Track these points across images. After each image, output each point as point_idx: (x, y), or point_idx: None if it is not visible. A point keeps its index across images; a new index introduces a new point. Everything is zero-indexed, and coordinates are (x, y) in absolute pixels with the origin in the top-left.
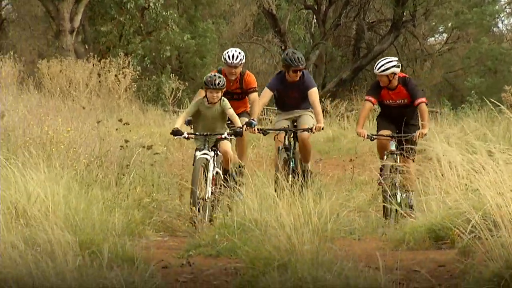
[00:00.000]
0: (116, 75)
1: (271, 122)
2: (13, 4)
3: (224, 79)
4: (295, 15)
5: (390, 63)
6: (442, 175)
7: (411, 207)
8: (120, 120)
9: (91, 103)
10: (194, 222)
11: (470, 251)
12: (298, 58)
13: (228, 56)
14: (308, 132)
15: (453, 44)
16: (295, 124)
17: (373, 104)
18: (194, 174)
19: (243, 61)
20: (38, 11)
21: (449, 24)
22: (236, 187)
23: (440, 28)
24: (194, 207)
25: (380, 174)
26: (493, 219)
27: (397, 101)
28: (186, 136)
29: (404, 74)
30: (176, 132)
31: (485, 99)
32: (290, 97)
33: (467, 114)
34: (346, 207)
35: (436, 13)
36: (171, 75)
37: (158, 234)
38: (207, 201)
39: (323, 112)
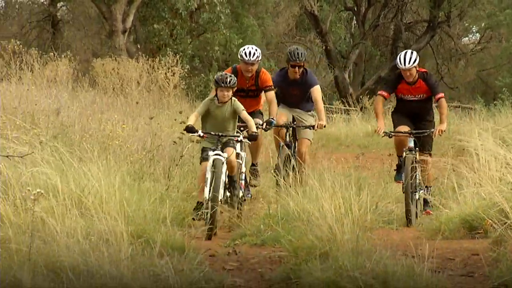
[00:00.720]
0: (165, 73)
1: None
2: (68, 5)
3: (235, 78)
4: (336, 16)
5: (414, 54)
6: (477, 168)
7: (426, 202)
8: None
9: (142, 99)
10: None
11: (502, 241)
12: (298, 53)
13: (245, 53)
14: (310, 129)
15: (485, 44)
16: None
17: (385, 99)
18: (204, 174)
19: (260, 58)
20: (92, 12)
21: (482, 25)
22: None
23: (473, 28)
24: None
25: (398, 172)
26: None
27: (416, 96)
28: (201, 134)
29: (424, 69)
30: (190, 129)
31: None
32: (291, 94)
33: (499, 110)
34: (385, 199)
35: (470, 14)
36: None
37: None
38: (219, 203)
39: (361, 109)
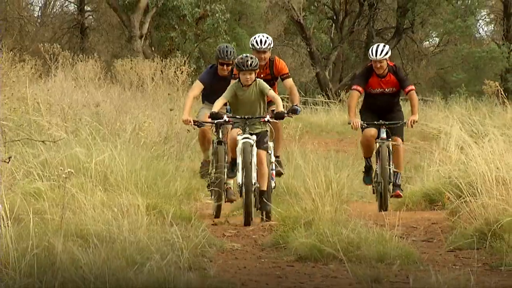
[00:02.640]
0: (175, 71)
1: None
2: (94, 14)
3: (257, 59)
4: (318, 24)
5: (386, 47)
6: (444, 149)
7: (399, 186)
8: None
9: (155, 94)
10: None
11: (457, 212)
12: (227, 51)
13: (256, 41)
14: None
15: (443, 47)
16: None
17: (360, 93)
18: (241, 158)
19: (272, 45)
20: (114, 21)
21: (441, 30)
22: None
23: (433, 33)
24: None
25: (367, 174)
26: (476, 186)
27: (386, 89)
28: (227, 119)
29: (392, 63)
30: (215, 116)
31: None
32: (218, 91)
33: (455, 102)
34: (359, 177)
35: (430, 22)
36: None
37: (209, 198)
38: (253, 187)
39: (339, 101)
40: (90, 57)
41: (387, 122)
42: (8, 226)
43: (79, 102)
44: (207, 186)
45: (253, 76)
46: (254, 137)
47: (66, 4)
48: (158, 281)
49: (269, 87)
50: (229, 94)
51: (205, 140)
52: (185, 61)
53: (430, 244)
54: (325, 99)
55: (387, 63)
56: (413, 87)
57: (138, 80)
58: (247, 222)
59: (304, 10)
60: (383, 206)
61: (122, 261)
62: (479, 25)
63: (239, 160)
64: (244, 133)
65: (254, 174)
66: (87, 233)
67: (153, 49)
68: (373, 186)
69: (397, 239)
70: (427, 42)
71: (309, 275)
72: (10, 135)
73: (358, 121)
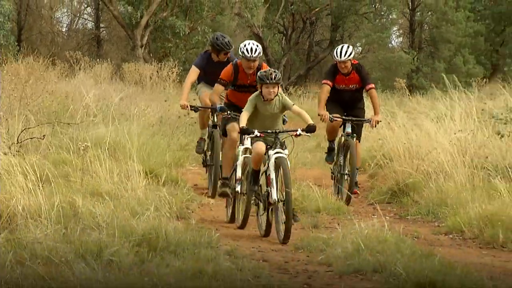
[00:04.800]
0: (167, 72)
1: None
2: (106, 29)
3: (279, 73)
4: (273, 36)
5: (349, 48)
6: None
7: (356, 183)
8: (166, 100)
9: (153, 88)
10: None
11: (375, 175)
12: (228, 42)
13: (247, 50)
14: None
15: (365, 53)
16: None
17: (330, 87)
18: (275, 173)
19: (261, 53)
20: (121, 34)
21: (363, 41)
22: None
23: (358, 44)
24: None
25: (329, 154)
26: (389, 156)
27: (350, 86)
28: (258, 134)
29: (356, 61)
30: (245, 131)
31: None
32: (215, 74)
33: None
34: (303, 151)
35: (355, 35)
36: None
37: (192, 165)
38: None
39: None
40: (104, 61)
41: (354, 119)
42: (41, 186)
43: (96, 95)
44: (202, 163)
45: (276, 89)
46: (287, 151)
47: (86, 22)
48: (153, 227)
49: (293, 103)
50: (251, 107)
51: (205, 117)
52: (175, 64)
53: (355, 200)
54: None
55: (351, 62)
56: (373, 85)
57: (140, 79)
58: (287, 241)
59: (262, 26)
60: (342, 195)
61: (127, 212)
62: (392, 38)
63: (273, 175)
64: (275, 148)
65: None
66: (100, 191)
67: (150, 55)
68: (333, 173)
69: (331, 196)
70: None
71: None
72: (43, 119)
73: (327, 114)
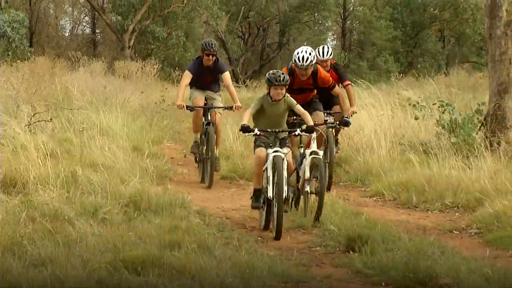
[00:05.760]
0: (150, 69)
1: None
2: (101, 34)
3: (287, 75)
4: (233, 40)
5: (329, 49)
6: None
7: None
8: (140, 91)
9: (138, 82)
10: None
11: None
12: (211, 44)
13: (298, 58)
14: (229, 109)
15: None
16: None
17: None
18: (260, 161)
19: (314, 61)
20: (113, 37)
21: (305, 43)
22: None
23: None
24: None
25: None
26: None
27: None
28: (258, 133)
29: (334, 61)
30: (246, 129)
31: None
32: (205, 78)
33: None
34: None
35: (299, 39)
36: (176, 68)
37: (168, 143)
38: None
39: (245, 86)
40: (99, 59)
41: (332, 112)
42: (48, 159)
43: (92, 86)
44: (195, 161)
45: (283, 91)
46: (285, 150)
47: (84, 28)
48: (138, 192)
49: (296, 103)
50: (258, 106)
51: (198, 120)
52: (156, 62)
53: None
54: (238, 85)
55: (330, 62)
56: (350, 82)
57: (128, 73)
58: (279, 236)
59: (225, 32)
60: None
61: (117, 180)
62: (328, 41)
63: (270, 173)
64: (274, 146)
65: (285, 188)
66: (96, 163)
67: (136, 55)
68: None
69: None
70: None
71: (229, 183)
72: (50, 105)
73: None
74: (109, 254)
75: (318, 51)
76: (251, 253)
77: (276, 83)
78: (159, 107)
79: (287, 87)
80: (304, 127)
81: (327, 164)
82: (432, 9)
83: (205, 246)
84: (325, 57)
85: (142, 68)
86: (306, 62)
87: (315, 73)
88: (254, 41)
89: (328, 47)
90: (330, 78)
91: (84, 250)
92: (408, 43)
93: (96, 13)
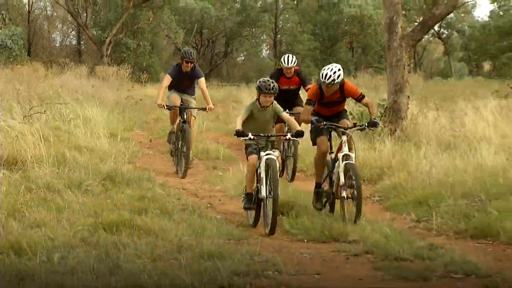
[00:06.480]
0: (123, 72)
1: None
2: (84, 45)
3: (276, 85)
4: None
5: (294, 57)
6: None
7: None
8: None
9: (113, 82)
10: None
11: None
12: (190, 52)
13: (322, 75)
14: (203, 110)
15: (247, 61)
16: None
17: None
18: (253, 167)
19: (341, 77)
20: (93, 48)
21: (245, 53)
22: None
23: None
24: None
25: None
26: None
27: (291, 86)
28: (252, 137)
29: (297, 67)
30: (241, 134)
31: None
32: (182, 83)
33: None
34: (208, 120)
35: (240, 49)
36: (144, 71)
37: (138, 130)
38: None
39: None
40: (83, 65)
41: (294, 112)
42: (42, 142)
43: (78, 86)
44: (170, 153)
45: (272, 98)
46: (276, 153)
47: (71, 40)
48: (114, 169)
49: (283, 110)
50: (247, 113)
51: (175, 117)
52: (128, 67)
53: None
54: None
55: (294, 68)
56: (310, 85)
57: (105, 76)
58: (274, 231)
59: (182, 43)
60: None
61: (97, 159)
62: (262, 51)
63: (263, 174)
64: (266, 149)
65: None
66: (80, 146)
67: (112, 61)
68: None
69: (224, 148)
70: (238, 58)
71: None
72: (44, 100)
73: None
74: (91, 218)
75: (284, 59)
76: (202, 216)
77: (266, 91)
78: (129, 102)
79: (275, 96)
80: (293, 132)
81: (291, 158)
82: (343, 25)
83: (166, 211)
84: (290, 65)
85: (117, 72)
86: (328, 80)
87: (341, 86)
88: (205, 51)
89: (292, 56)
90: (358, 90)
91: (70, 215)
92: (325, 52)
93: (80, 28)
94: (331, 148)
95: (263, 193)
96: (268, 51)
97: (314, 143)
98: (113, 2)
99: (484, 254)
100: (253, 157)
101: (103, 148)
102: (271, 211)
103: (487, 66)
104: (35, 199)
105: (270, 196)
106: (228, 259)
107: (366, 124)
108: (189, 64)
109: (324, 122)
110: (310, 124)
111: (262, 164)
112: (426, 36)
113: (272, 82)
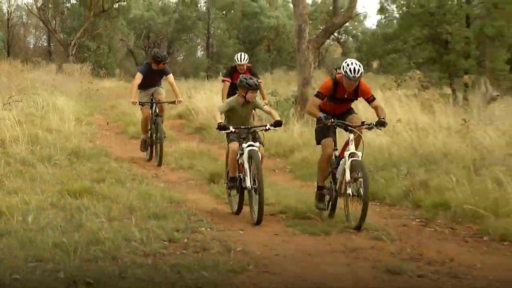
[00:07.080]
0: (86, 69)
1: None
2: (53, 46)
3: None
4: (139, 51)
5: (246, 55)
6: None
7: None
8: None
9: (78, 77)
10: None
11: (187, 120)
12: (164, 55)
13: (350, 70)
14: (173, 103)
15: (185, 59)
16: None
17: (229, 83)
18: (234, 153)
19: (362, 73)
20: (61, 49)
21: (184, 53)
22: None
23: (181, 54)
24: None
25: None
26: (196, 111)
27: None
28: (233, 130)
29: (250, 64)
30: (223, 127)
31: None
32: (154, 79)
33: None
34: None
35: (180, 50)
36: (102, 68)
37: (98, 115)
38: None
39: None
40: (52, 63)
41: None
42: (18, 125)
43: (48, 80)
44: (141, 148)
45: (256, 94)
46: (258, 144)
47: (43, 42)
48: (77, 146)
49: (264, 104)
50: (228, 108)
51: (146, 121)
52: (89, 65)
53: (179, 132)
54: None
55: (246, 65)
56: (260, 80)
57: (71, 72)
58: (260, 221)
59: (133, 45)
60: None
61: (64, 139)
62: (198, 51)
63: (246, 165)
64: (248, 141)
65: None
66: (51, 128)
67: (76, 60)
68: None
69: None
70: (179, 58)
71: (136, 140)
72: (20, 91)
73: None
74: (58, 186)
75: (237, 57)
76: (149, 184)
77: (252, 88)
78: (89, 93)
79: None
80: (272, 122)
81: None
82: (263, 31)
83: (120, 180)
84: (243, 62)
85: (80, 68)
86: (357, 74)
87: (357, 85)
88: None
89: (244, 54)
90: (370, 90)
91: (42, 184)
92: (248, 54)
93: (50, 33)
94: (335, 145)
95: (248, 184)
96: (202, 52)
97: (318, 143)
98: (77, 12)
99: (373, 213)
100: (235, 143)
101: (69, 130)
102: (256, 206)
103: (375, 64)
104: (13, 171)
105: (255, 187)
106: (169, 219)
107: (375, 124)
108: (162, 65)
109: (332, 119)
110: (316, 120)
111: (245, 156)
112: (328, 41)
113: (257, 79)
